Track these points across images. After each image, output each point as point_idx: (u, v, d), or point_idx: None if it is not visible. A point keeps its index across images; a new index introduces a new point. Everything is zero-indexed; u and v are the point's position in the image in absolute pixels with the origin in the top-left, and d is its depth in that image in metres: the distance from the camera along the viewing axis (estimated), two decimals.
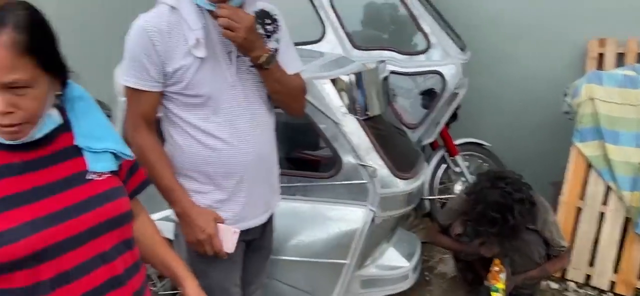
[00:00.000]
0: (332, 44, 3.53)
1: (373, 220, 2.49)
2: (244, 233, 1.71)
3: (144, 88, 1.55)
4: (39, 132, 1.05)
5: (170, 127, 1.65)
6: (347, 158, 2.49)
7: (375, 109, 2.66)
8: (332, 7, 3.58)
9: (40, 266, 1.01)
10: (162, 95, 1.59)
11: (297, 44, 3.60)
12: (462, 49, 3.63)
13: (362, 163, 2.48)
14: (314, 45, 3.53)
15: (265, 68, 1.59)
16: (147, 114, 1.59)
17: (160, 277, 2.72)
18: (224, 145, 1.61)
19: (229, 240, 1.66)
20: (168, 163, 1.64)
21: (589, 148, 3.13)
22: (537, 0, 3.92)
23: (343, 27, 3.56)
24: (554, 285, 3.17)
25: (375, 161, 2.50)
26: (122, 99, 2.51)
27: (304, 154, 3.13)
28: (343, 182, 2.53)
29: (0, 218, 0.98)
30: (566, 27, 3.85)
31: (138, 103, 1.58)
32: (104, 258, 1.10)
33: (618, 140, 3.01)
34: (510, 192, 2.48)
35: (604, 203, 3.12)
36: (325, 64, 2.78)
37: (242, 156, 1.64)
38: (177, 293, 2.71)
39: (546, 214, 2.65)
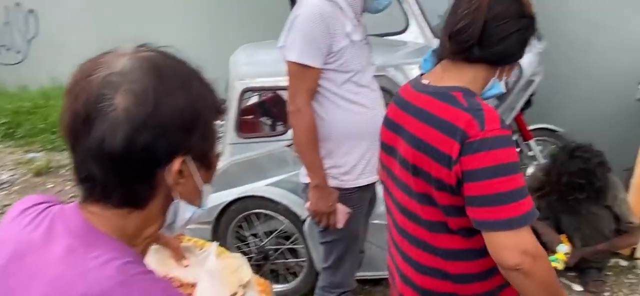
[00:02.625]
0: (415, 34, 3.82)
1: None
2: (369, 188, 2.12)
3: (316, 66, 1.85)
4: None
5: (320, 102, 1.94)
6: None
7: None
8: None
9: None
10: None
11: (382, 35, 3.94)
12: (539, 38, 3.81)
13: None
14: (397, 36, 3.85)
15: None
16: (313, 90, 1.90)
17: None
18: (367, 111, 2.00)
19: (342, 218, 2.00)
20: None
21: None
22: None
23: (425, 18, 3.83)
24: (623, 263, 3.34)
25: None
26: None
27: None
28: None
29: None
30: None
31: (307, 79, 1.86)
32: None
33: None
34: (589, 157, 2.74)
35: None
36: (411, 52, 3.10)
37: (378, 118, 1.99)
38: None
39: (617, 191, 2.86)
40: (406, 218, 1.34)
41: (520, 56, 1.29)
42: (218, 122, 0.81)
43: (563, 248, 2.92)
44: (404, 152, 1.30)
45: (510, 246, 1.14)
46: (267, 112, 3.60)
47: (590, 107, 4.24)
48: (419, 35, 3.78)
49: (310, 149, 1.91)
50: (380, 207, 2.85)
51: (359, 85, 1.96)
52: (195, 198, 0.80)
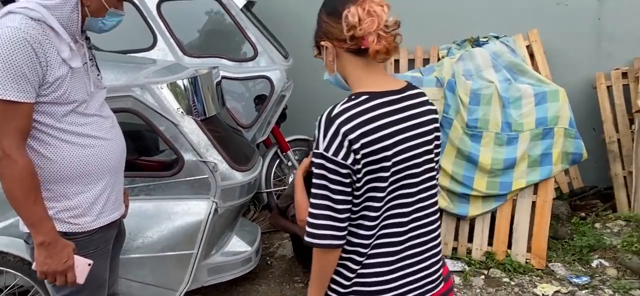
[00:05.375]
0: (164, 52, 3.67)
1: (216, 210, 2.73)
2: (113, 225, 1.84)
3: (26, 101, 1.52)
4: None
5: (40, 140, 1.62)
6: (188, 156, 2.69)
7: (211, 110, 2.91)
8: (161, 16, 3.72)
9: None
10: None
11: (129, 51, 3.67)
12: (286, 56, 4.06)
13: (203, 160, 2.71)
14: (146, 52, 3.63)
15: None
16: (26, 129, 1.56)
17: None
18: (99, 142, 1.72)
19: (82, 272, 1.70)
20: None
21: None
22: None
23: (173, 35, 3.72)
24: None
25: (215, 157, 2.74)
26: None
27: (142, 160, 3.22)
28: (186, 179, 2.72)
29: None
30: None
31: (15, 118, 1.51)
32: None
33: None
34: None
35: None
36: (159, 70, 2.93)
37: (114, 148, 1.77)
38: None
39: None
40: None
41: None
42: None
43: None
44: None
45: None
46: None
47: None
48: (168, 52, 3.64)
49: (27, 201, 1.56)
50: (138, 240, 2.63)
51: (85, 116, 1.68)
52: None
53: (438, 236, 1.44)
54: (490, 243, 3.60)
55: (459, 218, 3.67)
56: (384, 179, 1.29)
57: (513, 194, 3.57)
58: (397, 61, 4.52)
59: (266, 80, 3.86)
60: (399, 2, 5.00)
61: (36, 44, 1.52)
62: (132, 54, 3.59)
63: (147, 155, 3.26)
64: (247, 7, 4.02)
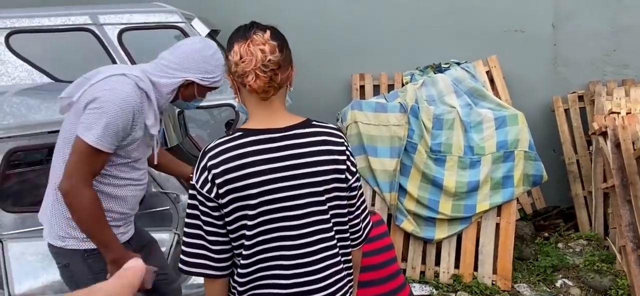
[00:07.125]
0: None
1: (178, 242, 2.66)
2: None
3: (109, 151, 1.77)
4: None
5: (102, 182, 1.86)
6: (149, 188, 2.63)
7: (173, 140, 2.86)
8: (122, 45, 3.66)
9: None
10: None
11: None
12: None
13: (164, 191, 2.65)
14: None
15: None
16: (98, 171, 1.81)
17: None
18: (140, 184, 2.00)
19: (149, 279, 1.95)
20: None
21: (357, 162, 3.81)
22: (310, 42, 4.61)
23: (135, 64, 3.66)
24: None
25: (177, 187, 2.69)
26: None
27: None
28: (147, 211, 2.65)
29: None
30: (335, 64, 4.62)
31: (95, 162, 1.77)
32: None
33: (376, 153, 3.75)
34: None
35: (372, 204, 3.83)
36: None
37: (142, 189, 2.04)
38: None
39: None
40: None
41: None
42: None
43: None
44: None
45: None
46: None
47: None
48: None
49: (98, 225, 1.81)
50: None
51: (135, 169, 1.95)
52: None
53: (337, 275, 1.39)
54: (457, 266, 3.62)
55: (425, 242, 3.69)
56: (251, 217, 1.30)
57: (477, 216, 3.61)
58: (362, 87, 4.58)
59: (231, 108, 3.83)
60: (364, 30, 5.08)
61: (137, 110, 1.77)
62: None
63: None
64: (211, 35, 4.00)
